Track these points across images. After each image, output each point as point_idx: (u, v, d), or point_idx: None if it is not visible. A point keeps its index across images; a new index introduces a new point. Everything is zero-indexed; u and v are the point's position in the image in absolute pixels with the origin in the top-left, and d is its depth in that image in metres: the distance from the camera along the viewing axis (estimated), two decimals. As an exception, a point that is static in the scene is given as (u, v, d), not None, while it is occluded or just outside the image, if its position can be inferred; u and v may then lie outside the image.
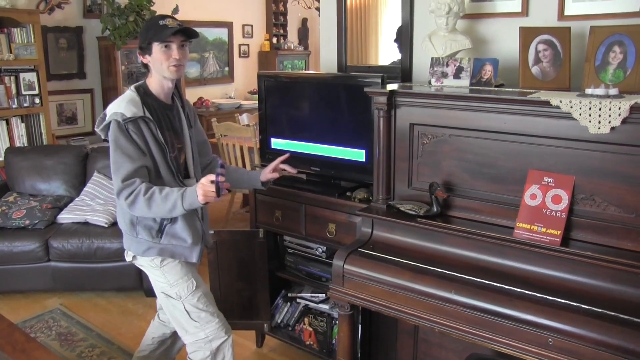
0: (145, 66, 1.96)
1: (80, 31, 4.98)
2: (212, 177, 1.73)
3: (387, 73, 2.31)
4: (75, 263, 3.24)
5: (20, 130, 4.16)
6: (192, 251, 1.99)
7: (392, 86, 2.07)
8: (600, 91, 1.64)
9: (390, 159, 2.05)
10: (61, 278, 3.27)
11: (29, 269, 3.23)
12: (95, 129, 1.93)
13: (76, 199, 3.59)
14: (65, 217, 3.42)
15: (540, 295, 1.60)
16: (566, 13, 2.01)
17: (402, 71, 2.45)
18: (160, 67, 1.90)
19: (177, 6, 5.36)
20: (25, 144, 4.17)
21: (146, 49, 1.90)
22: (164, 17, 1.92)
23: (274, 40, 7.18)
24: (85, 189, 3.62)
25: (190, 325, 1.99)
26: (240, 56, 6.80)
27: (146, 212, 1.82)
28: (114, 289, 3.39)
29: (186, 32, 1.90)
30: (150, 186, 1.82)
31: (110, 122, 1.85)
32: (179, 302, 1.98)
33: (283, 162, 2.18)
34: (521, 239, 1.72)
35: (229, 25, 6.52)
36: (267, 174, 2.16)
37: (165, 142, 1.90)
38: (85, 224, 3.35)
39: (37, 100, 4.18)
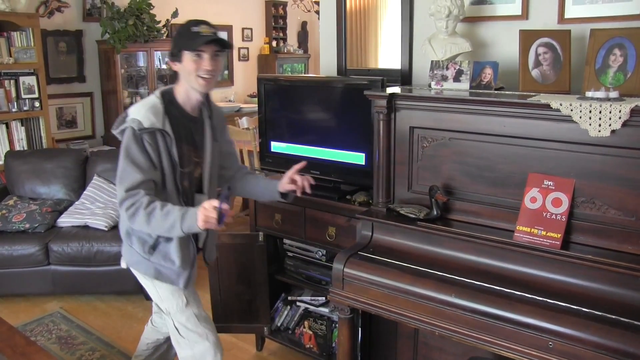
0: (175, 74, 1.85)
1: (80, 35, 4.99)
2: (216, 202, 1.63)
3: (387, 76, 2.31)
4: (75, 266, 3.23)
5: (20, 133, 4.16)
6: (180, 276, 1.90)
7: (391, 89, 2.07)
8: (600, 94, 1.64)
9: (390, 163, 2.05)
10: (61, 281, 3.27)
11: (29, 273, 3.22)
12: (112, 130, 1.83)
13: (76, 203, 3.58)
14: (65, 220, 3.41)
15: (541, 299, 1.60)
16: (566, 16, 2.02)
17: (402, 74, 2.46)
18: (189, 77, 1.78)
19: (176, 9, 5.37)
20: (25, 148, 4.17)
21: (176, 56, 1.78)
22: (198, 22, 1.77)
23: (274, 43, 7.19)
24: (85, 192, 3.62)
25: (180, 339, 1.96)
26: (239, 59, 6.81)
27: (145, 226, 1.74)
28: (114, 293, 3.38)
29: (221, 42, 1.79)
30: (153, 200, 1.73)
31: (126, 128, 1.76)
32: (168, 317, 1.96)
33: (299, 171, 1.97)
34: (521, 242, 1.72)
35: (228, 29, 6.53)
36: (285, 184, 1.94)
37: (180, 157, 1.81)
38: (85, 227, 3.35)
39: (36, 104, 4.19)
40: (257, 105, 2.73)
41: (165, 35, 5.37)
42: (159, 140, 1.76)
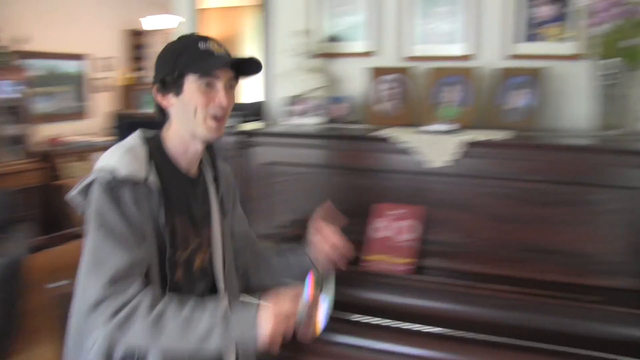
0: (162, 112, 1.27)
1: None
2: (302, 291, 1.12)
3: (246, 111, 2.27)
4: None
5: None
6: None
7: (246, 125, 2.05)
8: (440, 127, 1.78)
9: (249, 199, 2.00)
10: None
11: None
12: (69, 196, 1.20)
13: None
14: None
15: (394, 323, 1.63)
16: (411, 54, 2.15)
17: (259, 110, 2.45)
18: (191, 116, 1.21)
19: (26, 36, 4.90)
20: None
21: (172, 84, 1.21)
22: (204, 38, 1.24)
23: (134, 74, 6.86)
24: None
25: None
26: (98, 91, 6.34)
27: (149, 339, 1.07)
28: None
29: (243, 66, 1.25)
30: (158, 295, 1.12)
31: (91, 183, 1.16)
32: None
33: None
34: (374, 270, 1.75)
35: (86, 58, 6.08)
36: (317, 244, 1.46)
37: (172, 234, 1.21)
38: None
39: None
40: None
41: (12, 62, 4.83)
42: (142, 198, 1.17)
